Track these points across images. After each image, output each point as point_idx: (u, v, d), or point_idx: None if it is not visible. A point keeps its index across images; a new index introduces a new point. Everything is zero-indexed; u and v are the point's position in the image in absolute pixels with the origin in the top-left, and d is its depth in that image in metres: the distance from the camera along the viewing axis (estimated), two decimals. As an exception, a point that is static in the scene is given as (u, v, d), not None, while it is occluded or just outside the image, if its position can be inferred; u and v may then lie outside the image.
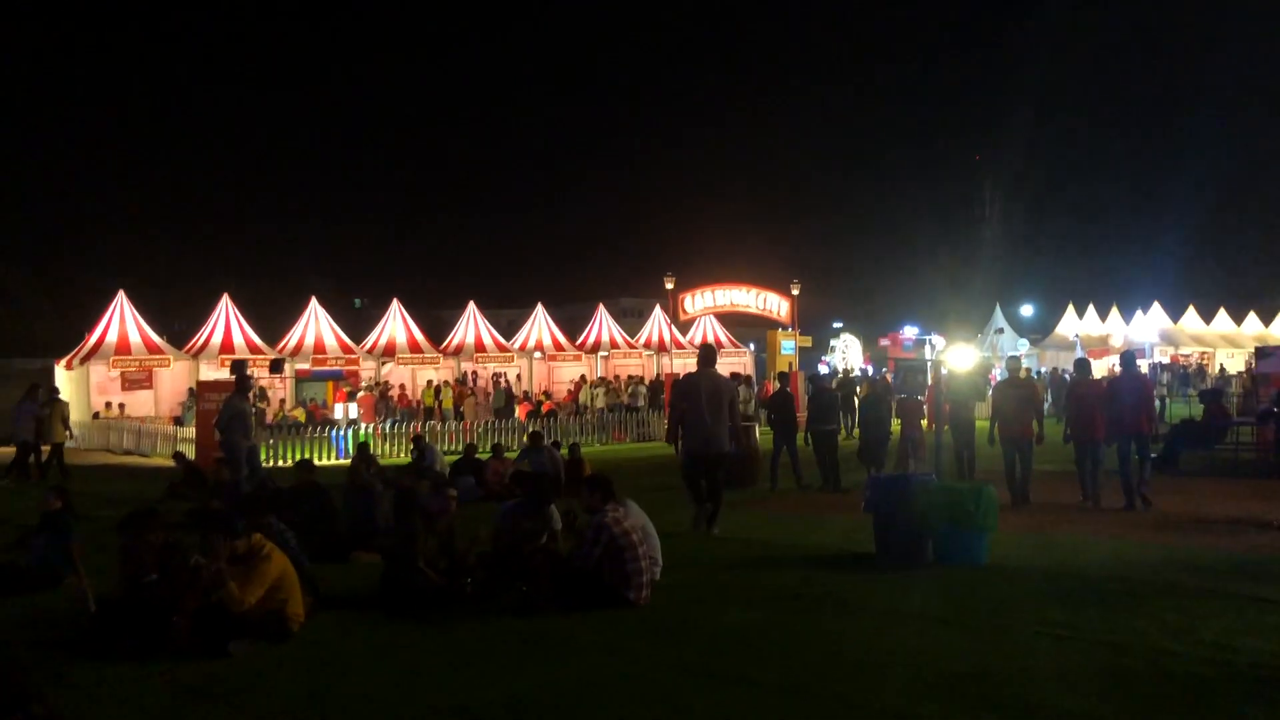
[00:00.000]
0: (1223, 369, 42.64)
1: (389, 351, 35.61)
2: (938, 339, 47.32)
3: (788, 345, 37.91)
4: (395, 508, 10.96)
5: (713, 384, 11.21)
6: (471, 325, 37.61)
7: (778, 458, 16.39)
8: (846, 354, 43.81)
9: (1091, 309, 51.01)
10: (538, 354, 38.66)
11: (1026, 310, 65.22)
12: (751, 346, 49.26)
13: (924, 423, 16.17)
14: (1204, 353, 51.82)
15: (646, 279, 32.20)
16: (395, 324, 36.20)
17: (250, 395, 17.17)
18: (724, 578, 9.22)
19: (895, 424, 16.34)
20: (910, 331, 49.74)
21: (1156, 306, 52.56)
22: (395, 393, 33.44)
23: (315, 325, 34.62)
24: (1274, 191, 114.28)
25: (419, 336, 36.41)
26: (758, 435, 17.25)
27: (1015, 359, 15.60)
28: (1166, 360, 48.66)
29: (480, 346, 37.29)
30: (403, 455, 24.88)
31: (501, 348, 37.79)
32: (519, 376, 37.47)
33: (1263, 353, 19.01)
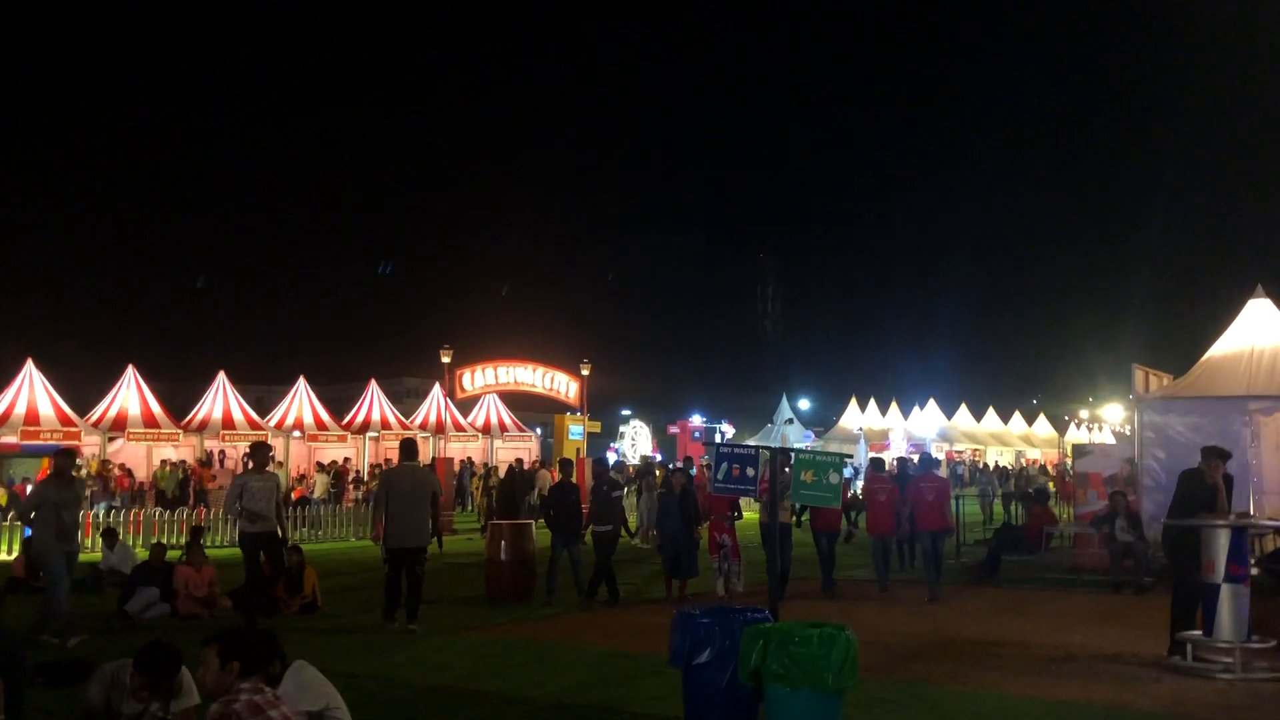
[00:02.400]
0: (1044, 466, 42.06)
1: (119, 425, 30.36)
2: (727, 428, 45.67)
3: (576, 430, 34.86)
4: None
5: (414, 477, 11.41)
6: (220, 398, 32.81)
7: (556, 563, 13.13)
8: (636, 441, 41.22)
9: (873, 403, 50.65)
10: (296, 433, 34.15)
11: (804, 404, 65.00)
12: (538, 431, 46.02)
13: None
14: (975, 449, 52.27)
15: (434, 360, 28.47)
16: (129, 394, 31.00)
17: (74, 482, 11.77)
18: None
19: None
20: (699, 420, 47.88)
21: (932, 403, 52.93)
22: (116, 472, 28.20)
23: (29, 392, 29.11)
24: (1039, 295, 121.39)
25: (156, 409, 31.31)
26: (535, 535, 13.92)
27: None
28: (941, 457, 48.58)
29: (229, 422, 32.51)
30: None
31: (254, 424, 33.10)
32: (274, 457, 32.78)
33: (1080, 451, 17.26)
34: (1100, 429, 58.74)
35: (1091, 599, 13.19)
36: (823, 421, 61.58)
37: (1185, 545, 9.16)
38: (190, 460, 30.75)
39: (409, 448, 11.93)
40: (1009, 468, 42.96)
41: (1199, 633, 8.94)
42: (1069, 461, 50.31)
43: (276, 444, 33.70)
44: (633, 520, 24.42)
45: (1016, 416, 58.35)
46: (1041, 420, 59.50)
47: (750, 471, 7.08)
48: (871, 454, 36.35)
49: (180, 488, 27.54)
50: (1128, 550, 13.70)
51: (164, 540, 17.82)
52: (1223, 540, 8.78)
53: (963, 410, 54.43)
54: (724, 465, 7.11)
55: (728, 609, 7.08)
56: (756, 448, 7.45)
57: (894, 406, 50.81)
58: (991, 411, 56.20)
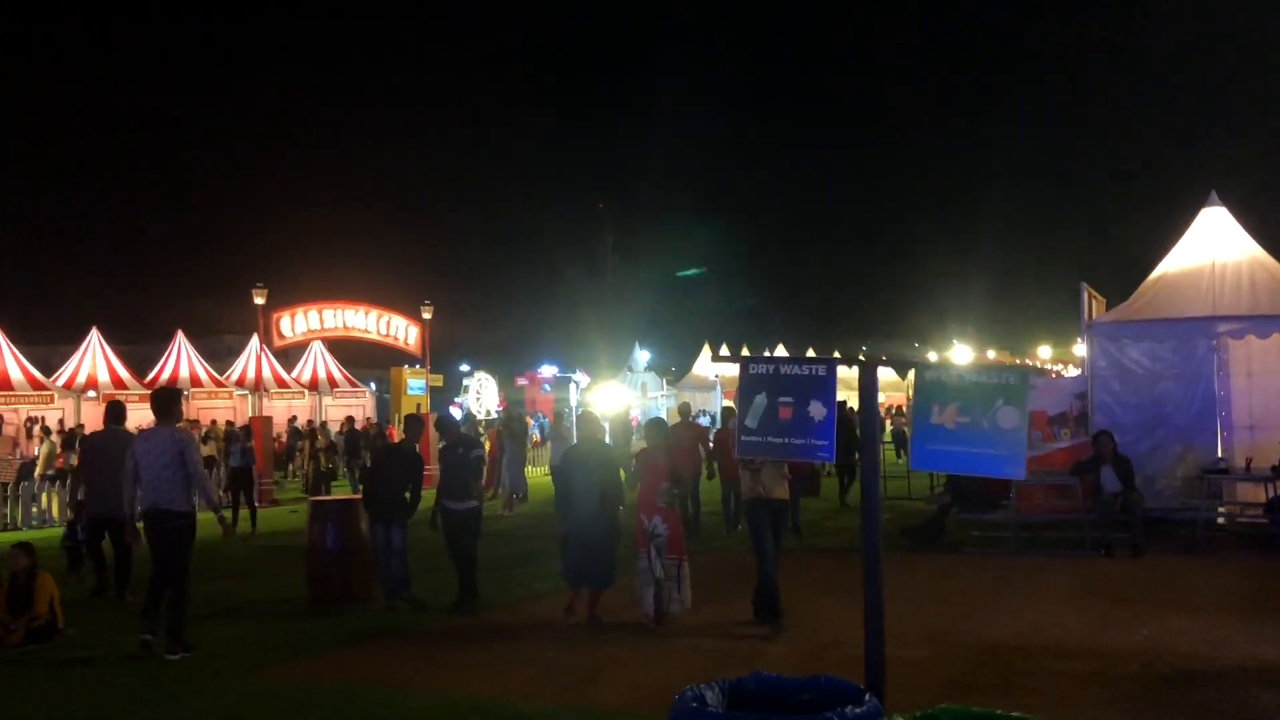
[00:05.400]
0: (898, 409, 39.69)
1: None
2: (581, 377, 41.96)
3: (416, 384, 30.38)
4: None
5: (119, 443, 9.50)
6: (-8, 354, 26.99)
7: (383, 558, 9.23)
8: (482, 394, 37.09)
9: (725, 350, 48.01)
10: (91, 393, 28.65)
11: (643, 356, 62.06)
12: (373, 386, 41.20)
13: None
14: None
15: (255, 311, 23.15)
16: None
17: None
18: None
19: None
20: (549, 370, 44.05)
21: (781, 348, 50.90)
22: None
23: None
24: (882, 236, 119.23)
25: (-91, 368, 25.36)
26: (365, 521, 9.85)
27: (686, 403, 15.86)
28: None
29: (5, 382, 26.77)
30: None
31: (37, 384, 27.45)
32: (61, 422, 27.29)
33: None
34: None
35: (1085, 567, 10.20)
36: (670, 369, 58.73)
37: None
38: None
39: (115, 410, 10.57)
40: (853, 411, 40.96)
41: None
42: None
43: (66, 405, 28.28)
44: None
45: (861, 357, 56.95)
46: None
47: (820, 411, 3.44)
48: (725, 404, 33.71)
49: None
50: (1126, 504, 10.78)
51: None
52: None
53: (810, 354, 52.55)
54: (759, 401, 3.45)
55: (775, 682, 3.42)
56: (832, 360, 3.72)
57: (744, 351, 48.41)
58: (837, 356, 54.51)
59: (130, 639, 7.85)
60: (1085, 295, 14.27)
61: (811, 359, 3.71)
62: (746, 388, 3.74)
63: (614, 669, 6.87)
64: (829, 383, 3.63)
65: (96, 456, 10.29)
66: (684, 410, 15.68)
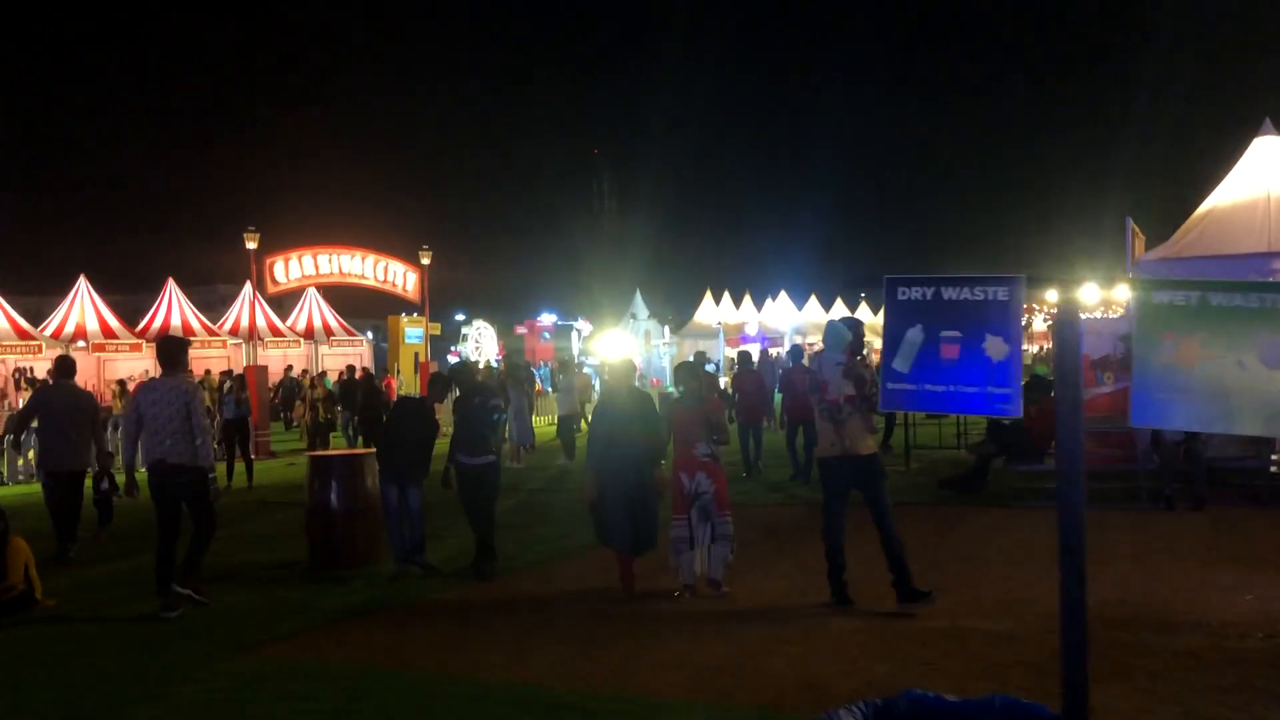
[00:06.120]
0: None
1: None
2: (583, 325, 41.04)
3: (414, 333, 29.39)
4: None
5: (69, 397, 9.86)
6: (-24, 304, 26.01)
7: (394, 519, 8.38)
8: (481, 343, 36.15)
9: (727, 296, 46.98)
10: (80, 343, 27.74)
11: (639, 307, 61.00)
12: (369, 335, 40.26)
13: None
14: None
15: (248, 261, 21.99)
16: None
17: None
18: None
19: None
20: (549, 319, 43.11)
21: (784, 295, 49.92)
22: None
23: None
24: (888, 196, 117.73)
25: (-103, 319, 24.40)
26: (370, 478, 8.96)
27: (702, 351, 16.96)
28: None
29: (-13, 332, 25.84)
30: None
31: (24, 334, 26.50)
32: (49, 373, 26.33)
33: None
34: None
35: (1150, 521, 9.40)
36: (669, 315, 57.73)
37: None
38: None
39: (64, 365, 10.28)
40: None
41: None
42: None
43: (54, 355, 27.34)
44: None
45: (863, 306, 56.00)
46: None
47: (1001, 349, 2.51)
48: (740, 349, 32.91)
49: None
50: (1189, 453, 9.96)
51: None
52: None
53: (813, 302, 51.57)
54: (912, 336, 2.55)
55: (932, 704, 2.57)
56: (1016, 279, 2.78)
57: (747, 299, 47.39)
58: (839, 301, 53.52)
59: (118, 608, 7.03)
60: (1130, 231, 13.37)
61: (988, 278, 2.78)
62: (895, 318, 2.82)
63: (658, 647, 6.05)
64: (1012, 310, 2.71)
65: (45, 411, 9.94)
66: (700, 359, 15.69)
